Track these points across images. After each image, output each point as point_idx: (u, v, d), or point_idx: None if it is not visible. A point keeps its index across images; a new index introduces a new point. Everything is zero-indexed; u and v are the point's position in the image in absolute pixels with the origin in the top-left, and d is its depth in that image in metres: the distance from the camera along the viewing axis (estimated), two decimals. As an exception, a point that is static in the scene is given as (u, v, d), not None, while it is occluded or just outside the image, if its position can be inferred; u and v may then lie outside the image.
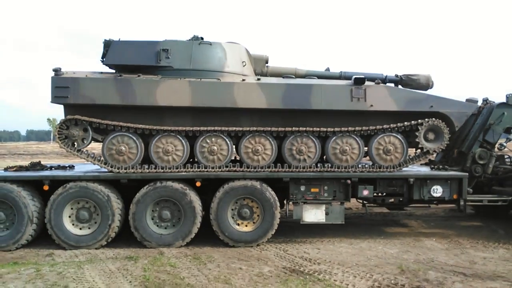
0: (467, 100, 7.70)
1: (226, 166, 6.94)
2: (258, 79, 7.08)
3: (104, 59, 7.01)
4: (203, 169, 6.90)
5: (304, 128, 6.96)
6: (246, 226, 6.92)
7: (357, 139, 7.10)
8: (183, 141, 6.91)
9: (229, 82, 6.90)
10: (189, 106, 6.81)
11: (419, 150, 7.34)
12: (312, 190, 7.05)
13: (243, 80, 6.98)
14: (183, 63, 6.95)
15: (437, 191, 7.20)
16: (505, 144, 8.04)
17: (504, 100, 7.86)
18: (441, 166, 7.82)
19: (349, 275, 5.39)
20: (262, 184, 6.84)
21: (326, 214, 7.05)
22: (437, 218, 9.24)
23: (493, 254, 6.47)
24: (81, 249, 6.53)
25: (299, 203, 7.05)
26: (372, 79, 7.29)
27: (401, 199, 7.39)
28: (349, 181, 7.03)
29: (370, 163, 7.34)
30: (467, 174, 7.38)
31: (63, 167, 7.85)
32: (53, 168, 7.72)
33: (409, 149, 7.29)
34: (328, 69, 8.07)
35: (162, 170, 6.82)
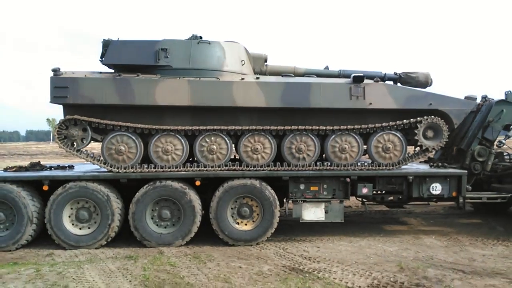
0: (466, 97, 7.70)
1: (226, 165, 6.95)
2: (257, 78, 7.08)
3: (103, 59, 7.02)
4: (203, 168, 6.90)
5: (303, 127, 6.96)
6: (246, 225, 6.93)
7: (356, 137, 7.11)
8: (182, 140, 6.92)
9: (228, 81, 6.90)
10: (188, 105, 6.82)
11: (418, 148, 7.35)
12: (312, 188, 7.06)
13: (242, 79, 6.98)
14: (182, 63, 6.95)
15: (436, 188, 7.21)
16: (504, 141, 8.04)
17: (503, 97, 7.86)
18: (440, 164, 7.83)
19: (348, 273, 5.40)
20: (261, 182, 6.85)
21: (326, 212, 7.06)
22: (436, 215, 9.25)
23: (492, 251, 6.48)
24: (81, 249, 6.54)
25: (299, 202, 7.06)
26: (371, 77, 7.30)
27: (400, 197, 7.40)
28: (348, 179, 7.04)
29: (369, 161, 7.35)
30: (466, 171, 7.39)
31: (63, 167, 7.86)
32: (52, 168, 7.73)
33: (408, 147, 7.29)
34: (327, 68, 8.07)
35: (162, 170, 6.83)
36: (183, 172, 6.82)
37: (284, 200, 7.48)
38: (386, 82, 7.66)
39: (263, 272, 5.49)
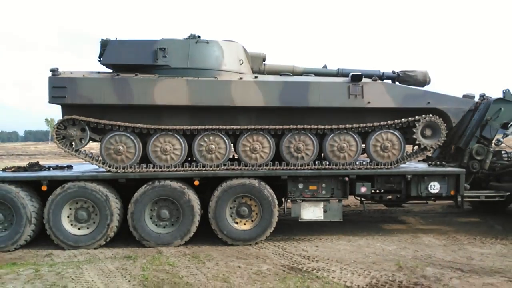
0: (464, 96, 7.72)
1: (224, 165, 6.95)
2: (256, 77, 7.08)
3: (101, 59, 7.01)
4: (201, 167, 6.90)
5: (302, 126, 6.97)
6: (245, 224, 6.93)
7: (355, 136, 7.12)
8: (181, 140, 6.91)
9: (226, 80, 6.90)
10: (187, 105, 6.82)
11: (416, 147, 7.37)
12: (310, 187, 7.07)
13: (241, 78, 6.97)
14: (180, 62, 6.94)
15: (435, 187, 7.22)
16: (502, 139, 8.05)
17: (501, 96, 7.88)
18: (438, 163, 7.84)
19: (347, 272, 5.41)
20: (260, 182, 6.86)
21: (324, 211, 7.07)
22: (434, 214, 9.27)
23: (490, 250, 6.50)
24: (80, 249, 6.54)
25: (297, 201, 7.07)
26: (369, 76, 7.31)
27: (398, 195, 7.42)
28: (347, 178, 7.04)
29: (368, 160, 7.36)
30: (465, 170, 7.40)
31: (61, 167, 7.85)
32: (51, 168, 7.72)
33: (406, 145, 7.31)
34: (325, 67, 8.08)
35: (160, 169, 6.82)
36: (181, 172, 6.82)
37: (283, 200, 7.48)
38: (384, 80, 7.67)
39: (262, 271, 5.49)
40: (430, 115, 7.11)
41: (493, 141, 7.98)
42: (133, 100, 6.71)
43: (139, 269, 5.56)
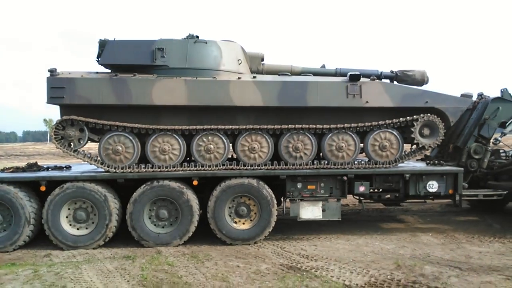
0: (462, 95, 7.74)
1: (223, 165, 6.96)
2: (254, 77, 7.09)
3: (99, 59, 7.01)
4: (200, 167, 6.91)
5: (300, 126, 6.98)
6: (244, 224, 6.94)
7: (353, 135, 7.13)
8: (179, 140, 6.92)
9: (225, 80, 6.91)
10: (185, 105, 6.82)
11: (414, 146, 7.38)
12: (309, 187, 7.08)
13: (239, 78, 6.98)
14: (179, 62, 6.95)
15: (433, 186, 7.24)
16: (500, 138, 8.08)
17: (499, 95, 7.90)
18: (436, 162, 7.86)
19: (345, 271, 5.42)
20: (259, 182, 6.86)
21: (323, 211, 7.08)
22: (433, 213, 9.29)
23: (488, 248, 6.52)
24: (79, 249, 6.54)
25: (296, 200, 7.08)
26: (367, 75, 7.32)
27: (397, 194, 7.43)
28: (345, 178, 7.06)
29: (366, 159, 7.38)
30: (463, 169, 7.43)
31: (60, 168, 7.84)
32: (49, 169, 7.72)
33: (404, 145, 7.32)
34: (323, 66, 8.09)
35: (159, 169, 6.83)
36: (180, 172, 6.83)
37: (282, 199, 7.49)
38: (383, 80, 7.69)
39: (261, 271, 5.50)
40: (428, 114, 7.13)
41: (491, 140, 8.00)
42: (132, 100, 6.72)
43: (138, 269, 5.56)
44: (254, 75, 7.25)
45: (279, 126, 6.96)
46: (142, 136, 6.92)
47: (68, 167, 7.91)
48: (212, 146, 6.91)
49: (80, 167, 8.11)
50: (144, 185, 6.70)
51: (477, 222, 8.26)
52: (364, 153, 7.35)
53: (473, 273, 5.33)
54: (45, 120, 75.44)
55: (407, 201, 7.92)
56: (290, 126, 6.97)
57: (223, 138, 6.95)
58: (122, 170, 6.78)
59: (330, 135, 7.09)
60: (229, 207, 6.90)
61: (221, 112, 6.99)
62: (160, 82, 6.75)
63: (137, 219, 6.64)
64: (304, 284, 4.99)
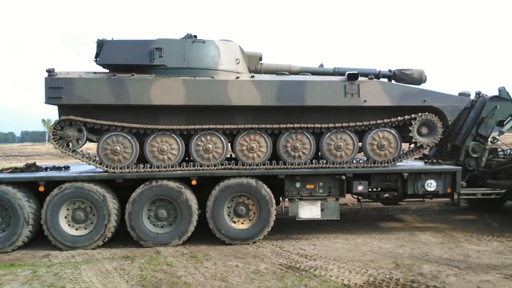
0: (459, 94, 7.76)
1: (222, 164, 6.96)
2: (252, 77, 7.09)
3: (97, 59, 7.00)
4: (199, 167, 6.91)
5: (299, 125, 6.98)
6: (242, 223, 6.95)
7: (351, 134, 7.14)
8: (178, 139, 6.92)
9: (223, 80, 6.90)
10: (184, 105, 6.81)
11: (412, 145, 7.39)
12: (307, 186, 7.09)
13: (237, 77, 6.98)
14: (177, 62, 6.94)
15: (431, 185, 7.25)
16: (498, 137, 8.10)
17: (497, 93, 7.92)
18: (434, 160, 7.87)
19: (344, 271, 5.43)
20: (257, 181, 6.87)
21: (322, 210, 7.09)
22: (431, 212, 9.30)
23: (487, 247, 6.53)
24: (78, 249, 6.53)
25: (295, 200, 7.09)
26: (365, 74, 7.32)
27: (395, 193, 7.44)
28: (344, 177, 7.06)
29: (365, 158, 7.38)
30: (461, 167, 7.44)
31: (58, 168, 7.85)
32: (48, 169, 7.71)
33: (403, 143, 7.33)
34: (321, 65, 8.09)
35: (158, 169, 6.83)
36: (179, 172, 6.82)
37: (280, 199, 7.50)
38: (381, 79, 7.69)
39: (260, 270, 5.51)
40: (426, 113, 7.14)
41: (489, 139, 8.02)
42: (130, 100, 6.71)
43: (137, 269, 5.56)
44: (252, 74, 7.25)
45: (277, 126, 6.96)
46: (141, 136, 6.92)
47: (66, 168, 7.91)
48: (210, 146, 6.91)
49: (78, 167, 8.10)
50: (143, 185, 6.69)
51: (475, 221, 8.27)
52: (362, 152, 7.35)
53: (472, 272, 5.35)
54: (43, 120, 75.40)
55: (406, 200, 7.93)
56: (288, 125, 6.97)
57: (222, 137, 6.96)
58: (120, 170, 6.77)
59: (328, 134, 7.10)
60: (228, 207, 6.90)
61: (220, 111, 6.99)
62: (158, 81, 6.75)
63: (136, 219, 6.64)
64: (303, 284, 5.00)
